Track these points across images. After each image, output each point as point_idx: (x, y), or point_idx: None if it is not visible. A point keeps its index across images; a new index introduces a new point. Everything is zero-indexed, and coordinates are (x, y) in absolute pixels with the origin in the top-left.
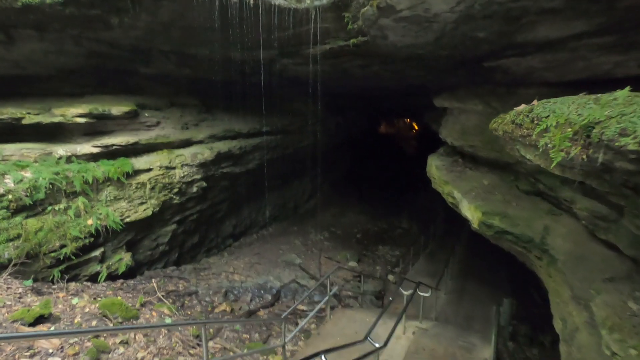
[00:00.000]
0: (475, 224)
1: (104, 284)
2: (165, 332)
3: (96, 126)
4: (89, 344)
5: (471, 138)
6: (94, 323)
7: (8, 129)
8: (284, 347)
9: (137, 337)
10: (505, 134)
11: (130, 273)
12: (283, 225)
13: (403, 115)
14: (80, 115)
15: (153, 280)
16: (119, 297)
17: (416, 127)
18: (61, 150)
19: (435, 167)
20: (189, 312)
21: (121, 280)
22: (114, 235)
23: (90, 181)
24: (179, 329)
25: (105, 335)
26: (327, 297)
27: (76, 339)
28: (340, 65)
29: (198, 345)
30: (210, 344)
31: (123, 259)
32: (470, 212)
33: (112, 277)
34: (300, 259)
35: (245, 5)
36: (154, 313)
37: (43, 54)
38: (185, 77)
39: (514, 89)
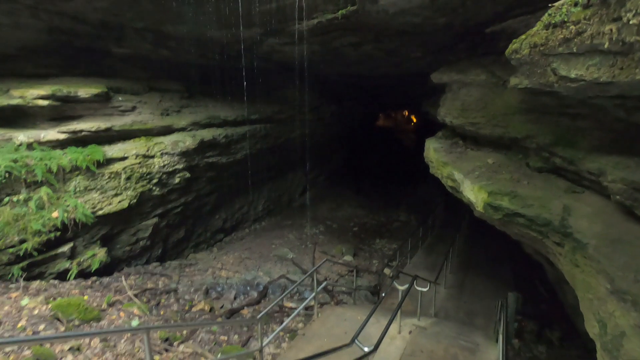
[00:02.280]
0: (479, 207)
1: (73, 282)
2: (129, 335)
3: (63, 110)
4: (28, 352)
5: (473, 114)
6: (41, 327)
7: None
8: (261, 351)
9: (92, 343)
10: (533, 49)
11: (107, 270)
12: (277, 219)
13: (401, 108)
14: (42, 97)
15: (124, 277)
16: (85, 297)
17: (414, 120)
18: (22, 136)
19: (434, 149)
20: (163, 312)
21: (94, 278)
22: (86, 229)
23: (55, 170)
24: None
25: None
26: (313, 294)
27: (13, 348)
28: (330, 44)
29: (166, 350)
30: (181, 347)
31: (97, 255)
32: (473, 193)
33: (84, 274)
34: (294, 253)
35: None
36: (121, 314)
37: None
38: (164, 59)
39: None
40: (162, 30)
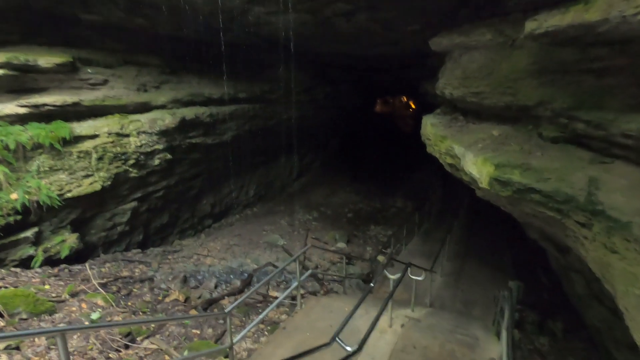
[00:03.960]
0: (484, 183)
1: (38, 270)
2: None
3: (23, 82)
4: None
5: (475, 83)
6: None
7: None
8: (231, 348)
9: (36, 340)
10: None
11: (79, 257)
12: (269, 205)
13: (399, 93)
14: None
15: (88, 265)
16: (46, 286)
17: (413, 106)
18: None
19: (431, 124)
20: (130, 303)
21: (63, 266)
22: (53, 212)
23: (12, 147)
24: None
25: None
26: (296, 283)
27: None
28: (321, 12)
29: (127, 346)
30: (145, 343)
31: (66, 241)
32: (476, 167)
33: (52, 261)
34: (285, 240)
35: None
36: (83, 305)
37: None
38: (141, 30)
39: (533, 14)
40: None
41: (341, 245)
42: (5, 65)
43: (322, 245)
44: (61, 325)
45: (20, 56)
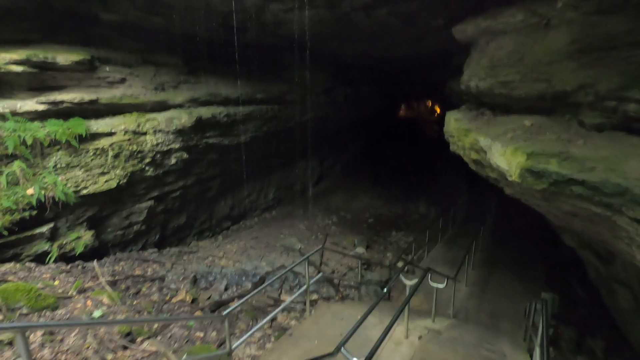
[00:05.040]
0: (514, 175)
1: (52, 265)
2: (84, 328)
3: (43, 79)
4: None
5: (504, 71)
6: None
7: None
8: (229, 354)
9: (31, 337)
10: None
11: (95, 254)
12: (288, 209)
13: (424, 98)
14: (16, 63)
15: (96, 263)
16: (56, 282)
17: (438, 111)
18: None
19: (455, 119)
20: (136, 302)
21: (78, 262)
22: (69, 209)
23: (30, 142)
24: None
25: None
26: (304, 287)
27: None
28: (339, 9)
29: (125, 347)
30: (145, 345)
31: (82, 238)
32: (505, 158)
33: (67, 258)
34: (302, 244)
35: None
36: (88, 302)
37: None
38: (160, 29)
39: None
40: None
41: (360, 250)
42: (25, 62)
43: (340, 250)
44: (61, 321)
45: (39, 53)
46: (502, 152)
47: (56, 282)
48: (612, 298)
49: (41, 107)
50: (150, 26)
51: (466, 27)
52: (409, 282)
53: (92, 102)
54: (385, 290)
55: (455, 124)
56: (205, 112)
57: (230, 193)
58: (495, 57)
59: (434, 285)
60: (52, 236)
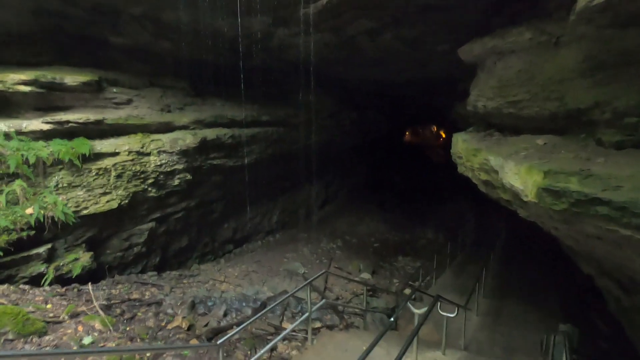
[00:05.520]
0: (530, 195)
1: (47, 288)
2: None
3: (50, 100)
4: None
5: (513, 91)
6: None
7: None
8: None
9: None
10: None
11: (93, 277)
12: (292, 233)
13: (429, 123)
14: (24, 83)
15: (90, 287)
16: (49, 305)
17: (443, 135)
18: (2, 125)
19: (462, 140)
20: (130, 328)
21: (74, 285)
22: (68, 230)
23: (32, 161)
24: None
25: None
26: (306, 314)
27: None
28: (344, 31)
29: None
30: None
31: (79, 260)
32: (519, 177)
33: (63, 280)
34: (306, 268)
35: None
36: (79, 327)
37: None
38: (168, 53)
39: None
40: (161, 18)
41: (365, 276)
42: (33, 82)
43: (345, 275)
44: (47, 349)
45: (47, 74)
46: (515, 171)
47: (48, 306)
48: (637, 331)
49: (46, 127)
50: (158, 50)
51: (472, 47)
52: (418, 311)
53: (98, 122)
54: (392, 318)
55: (463, 144)
56: (210, 133)
57: (234, 216)
58: (504, 76)
59: (444, 314)
60: (49, 257)
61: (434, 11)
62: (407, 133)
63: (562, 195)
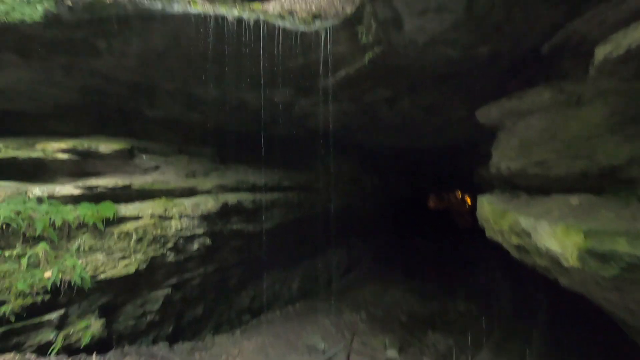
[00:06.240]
0: (571, 260)
1: (53, 358)
2: None
3: (83, 166)
4: None
5: (537, 150)
6: None
7: None
8: None
9: None
10: None
11: (103, 346)
12: (313, 302)
13: (454, 188)
14: (63, 151)
15: (94, 356)
16: None
17: (469, 202)
18: (37, 190)
19: (488, 202)
20: None
21: (82, 355)
22: (83, 295)
23: (59, 224)
24: None
25: None
26: None
27: None
28: (362, 100)
29: None
30: None
31: (90, 327)
32: (556, 239)
33: (72, 350)
34: (327, 343)
35: (245, 26)
36: None
37: (31, 83)
38: (196, 123)
39: None
40: (192, 93)
41: (392, 354)
42: (71, 150)
43: (369, 353)
44: None
45: (84, 143)
46: (550, 232)
47: None
48: None
49: (77, 192)
50: (188, 120)
51: (490, 109)
52: None
53: (125, 187)
54: None
55: (488, 206)
56: (232, 197)
57: (252, 283)
58: (525, 137)
59: None
60: (60, 324)
61: (448, 79)
62: (431, 198)
63: (611, 258)
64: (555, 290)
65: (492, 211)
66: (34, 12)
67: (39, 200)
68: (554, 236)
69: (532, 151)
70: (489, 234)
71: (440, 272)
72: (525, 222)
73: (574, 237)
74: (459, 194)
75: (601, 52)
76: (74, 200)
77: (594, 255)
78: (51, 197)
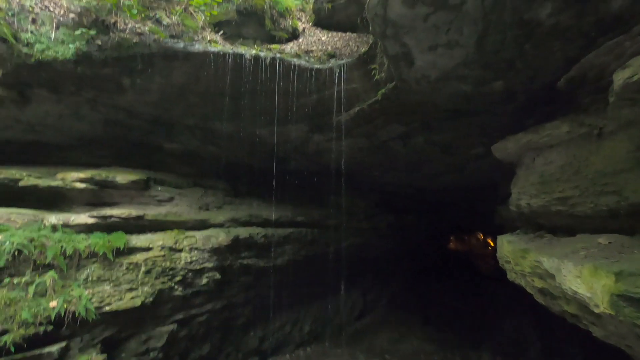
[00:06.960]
0: (602, 305)
1: None
2: None
3: (100, 196)
4: None
5: (559, 187)
6: None
7: (7, 193)
8: None
9: None
10: None
11: None
12: (324, 346)
13: (474, 230)
14: (81, 180)
15: None
16: None
17: (492, 244)
18: (54, 218)
19: (508, 242)
20: None
21: None
22: (86, 327)
23: (69, 253)
24: None
25: None
26: None
27: None
28: (376, 137)
29: None
30: None
31: None
32: (583, 281)
33: None
34: None
35: (261, 64)
36: None
37: (58, 117)
38: (211, 157)
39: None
40: (209, 127)
41: None
42: (89, 180)
43: None
44: None
45: (102, 173)
46: (576, 273)
47: None
48: None
49: (91, 221)
50: (204, 154)
51: (506, 144)
52: None
53: (139, 217)
54: None
55: (508, 246)
56: (243, 232)
57: (261, 322)
58: (545, 172)
59: None
60: (61, 357)
61: (463, 116)
62: (451, 240)
63: None
64: (591, 342)
65: (512, 251)
66: (67, 51)
67: (54, 228)
68: (580, 277)
69: (553, 187)
70: (510, 276)
71: (461, 319)
72: (547, 262)
73: (604, 279)
74: (481, 236)
75: (620, 77)
76: (88, 229)
77: (628, 300)
78: (66, 226)
